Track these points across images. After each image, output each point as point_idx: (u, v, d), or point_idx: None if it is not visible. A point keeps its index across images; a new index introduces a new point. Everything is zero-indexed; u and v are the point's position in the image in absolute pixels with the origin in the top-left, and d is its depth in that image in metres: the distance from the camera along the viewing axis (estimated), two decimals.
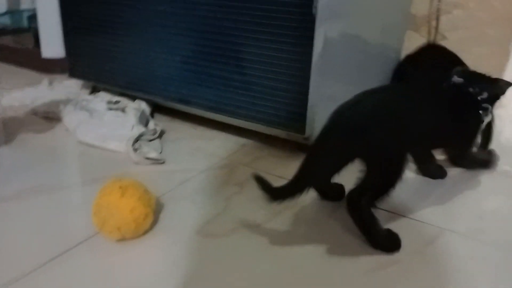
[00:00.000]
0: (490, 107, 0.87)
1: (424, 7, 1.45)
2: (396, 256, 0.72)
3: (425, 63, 1.32)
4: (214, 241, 0.75)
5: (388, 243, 0.73)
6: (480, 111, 0.87)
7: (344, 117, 0.74)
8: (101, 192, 0.71)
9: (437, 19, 1.42)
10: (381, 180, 0.74)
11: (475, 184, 0.97)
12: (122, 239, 0.71)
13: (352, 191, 0.74)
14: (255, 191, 0.90)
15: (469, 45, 1.23)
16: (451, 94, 0.87)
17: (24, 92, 1.36)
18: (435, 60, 1.32)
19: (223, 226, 0.79)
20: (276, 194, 0.73)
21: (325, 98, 1.01)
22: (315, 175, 0.76)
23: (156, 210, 0.78)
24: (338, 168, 0.78)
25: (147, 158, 0.98)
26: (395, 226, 0.80)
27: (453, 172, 0.99)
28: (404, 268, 0.69)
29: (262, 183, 0.74)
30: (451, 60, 1.30)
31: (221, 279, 0.66)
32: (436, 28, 1.43)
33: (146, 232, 0.74)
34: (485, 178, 0.99)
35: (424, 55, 1.34)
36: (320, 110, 1.00)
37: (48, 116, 1.24)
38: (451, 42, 1.43)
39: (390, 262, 0.70)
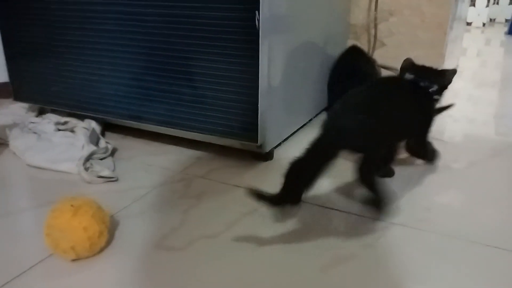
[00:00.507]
0: (439, 97, 0.98)
1: (363, 16, 1.53)
2: (349, 251, 0.75)
3: (348, 64, 1.41)
4: (172, 254, 0.75)
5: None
6: (433, 102, 0.98)
7: (334, 122, 0.84)
8: (53, 212, 0.70)
9: (375, 27, 1.51)
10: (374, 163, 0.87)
11: (424, 181, 1.02)
12: (78, 259, 0.70)
13: (360, 167, 0.84)
14: (212, 202, 0.92)
15: (406, 49, 1.32)
16: (409, 89, 0.96)
17: None
18: (355, 61, 1.43)
19: (181, 239, 0.79)
20: (275, 200, 0.79)
21: (274, 106, 1.05)
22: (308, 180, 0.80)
23: (112, 227, 0.77)
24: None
25: (100, 177, 0.97)
26: (347, 224, 0.84)
27: (403, 171, 1.05)
28: (359, 262, 0.72)
29: (257, 195, 0.77)
30: (367, 60, 1.44)
31: None
32: (375, 35, 1.52)
33: (102, 250, 0.73)
34: (433, 175, 1.05)
35: (346, 58, 1.42)
36: (271, 118, 1.04)
37: None
38: (390, 47, 1.52)
39: (345, 257, 0.73)
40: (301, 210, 0.88)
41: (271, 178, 1.02)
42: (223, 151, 1.14)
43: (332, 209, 0.88)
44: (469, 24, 4.05)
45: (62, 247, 0.68)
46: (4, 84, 1.51)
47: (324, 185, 0.97)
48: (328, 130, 0.82)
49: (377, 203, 0.85)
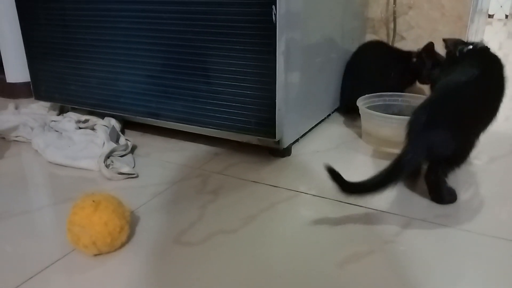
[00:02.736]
0: None
1: (381, 10, 1.51)
2: (369, 247, 0.74)
3: (369, 56, 1.39)
4: (191, 249, 0.75)
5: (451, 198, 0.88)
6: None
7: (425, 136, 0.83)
8: (74, 208, 0.71)
9: (394, 21, 1.49)
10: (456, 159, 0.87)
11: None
12: (99, 254, 0.71)
13: (431, 166, 0.87)
14: (229, 197, 0.92)
15: (425, 43, 1.29)
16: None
17: None
18: (375, 52, 1.41)
19: (199, 234, 0.79)
20: (347, 187, 0.79)
21: (291, 102, 1.04)
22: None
23: (132, 223, 0.78)
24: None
25: (120, 173, 0.98)
26: (367, 219, 0.83)
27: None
28: (378, 258, 0.72)
29: (333, 174, 0.78)
30: (388, 51, 1.41)
31: (200, 286, 0.66)
32: (394, 29, 1.49)
33: (122, 245, 0.74)
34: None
35: (366, 50, 1.40)
36: (288, 114, 1.03)
37: (17, 140, 1.22)
38: (409, 41, 1.49)
39: (364, 253, 0.73)
40: (320, 205, 0.88)
41: (289, 174, 1.02)
42: (240, 147, 1.14)
43: (352, 204, 0.87)
44: (491, 16, 3.95)
45: (83, 242, 0.69)
46: (26, 83, 1.54)
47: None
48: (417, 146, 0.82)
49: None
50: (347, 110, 1.37)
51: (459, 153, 0.86)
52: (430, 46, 1.28)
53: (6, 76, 1.69)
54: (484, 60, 0.95)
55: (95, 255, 0.71)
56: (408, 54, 1.34)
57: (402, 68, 1.33)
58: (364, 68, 1.36)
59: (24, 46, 1.35)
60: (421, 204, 0.88)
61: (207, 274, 0.69)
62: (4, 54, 1.67)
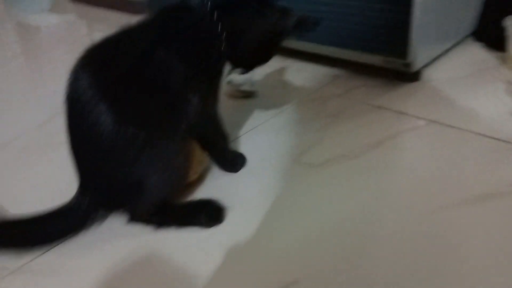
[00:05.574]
0: None
1: None
2: (496, 189, 0.65)
3: None
4: (310, 170, 0.74)
5: None
6: None
7: None
8: None
9: None
10: None
11: None
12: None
13: None
14: (351, 122, 0.87)
15: None
16: None
17: None
18: None
19: (319, 156, 0.77)
20: None
21: (428, 19, 0.91)
22: None
23: (250, 141, 0.78)
24: None
25: (240, 91, 0.98)
26: (503, 156, 0.73)
27: None
28: (504, 201, 0.63)
29: None
30: None
31: (317, 208, 0.65)
32: None
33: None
34: None
35: None
36: (423, 32, 0.91)
37: None
38: None
39: (490, 195, 0.64)
40: (453, 138, 0.79)
41: (418, 101, 0.92)
42: (362, 69, 1.06)
43: (492, 138, 0.77)
44: None
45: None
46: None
47: (489, 111, 0.85)
48: None
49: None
50: (488, 32, 1.18)
51: None
52: None
53: None
54: None
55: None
56: None
57: None
58: None
59: None
60: None
61: (326, 196, 0.67)
62: None
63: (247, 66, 0.74)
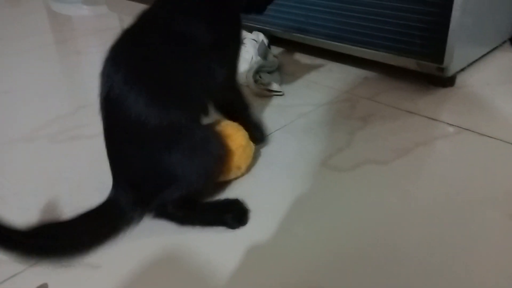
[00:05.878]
0: None
1: None
2: None
3: None
4: (338, 174, 0.72)
5: None
6: None
7: None
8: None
9: None
10: None
11: None
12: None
13: None
14: (380, 126, 0.85)
15: None
16: None
17: None
18: None
19: (347, 160, 0.75)
20: None
21: (467, 21, 0.88)
22: None
23: (277, 140, 0.77)
24: None
25: (268, 90, 0.97)
26: None
27: None
28: None
29: None
30: None
31: (344, 214, 0.64)
32: None
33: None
34: None
35: None
36: (462, 36, 0.88)
37: None
38: None
39: None
40: (489, 147, 0.76)
41: (451, 107, 0.90)
42: (393, 72, 1.03)
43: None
44: None
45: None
46: None
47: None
48: None
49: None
50: None
51: None
52: None
53: None
54: None
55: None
56: None
57: None
58: None
59: None
60: None
61: (354, 201, 0.66)
62: None
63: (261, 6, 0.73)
